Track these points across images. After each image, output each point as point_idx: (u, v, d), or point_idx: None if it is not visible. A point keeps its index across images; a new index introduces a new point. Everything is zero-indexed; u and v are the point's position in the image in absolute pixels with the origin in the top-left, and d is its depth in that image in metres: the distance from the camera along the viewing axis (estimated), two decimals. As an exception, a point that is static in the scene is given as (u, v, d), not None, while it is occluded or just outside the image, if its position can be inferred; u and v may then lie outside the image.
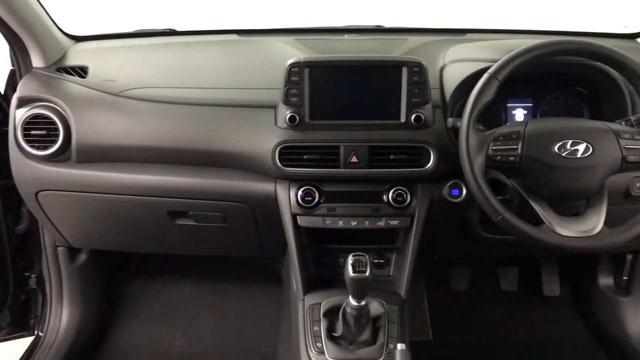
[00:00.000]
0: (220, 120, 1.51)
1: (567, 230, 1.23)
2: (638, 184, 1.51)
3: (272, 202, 1.51)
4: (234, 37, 1.87)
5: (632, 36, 1.80)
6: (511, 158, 1.25)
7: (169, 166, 1.56)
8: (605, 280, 2.07)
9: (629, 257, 1.95)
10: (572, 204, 1.33)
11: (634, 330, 1.95)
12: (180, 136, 1.51)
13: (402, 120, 1.44)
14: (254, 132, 1.47)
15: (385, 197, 1.48)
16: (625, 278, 1.98)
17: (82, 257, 2.01)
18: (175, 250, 1.94)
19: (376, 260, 1.63)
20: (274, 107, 1.47)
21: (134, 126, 1.54)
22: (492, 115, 1.64)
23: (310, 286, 1.54)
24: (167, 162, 1.56)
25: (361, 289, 1.29)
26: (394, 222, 1.50)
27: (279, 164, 1.43)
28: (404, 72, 1.42)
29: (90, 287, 2.05)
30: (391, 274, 1.63)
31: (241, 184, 1.53)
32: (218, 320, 2.14)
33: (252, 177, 1.52)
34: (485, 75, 1.27)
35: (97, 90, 1.58)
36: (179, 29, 1.94)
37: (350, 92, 1.45)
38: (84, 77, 1.63)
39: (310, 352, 1.39)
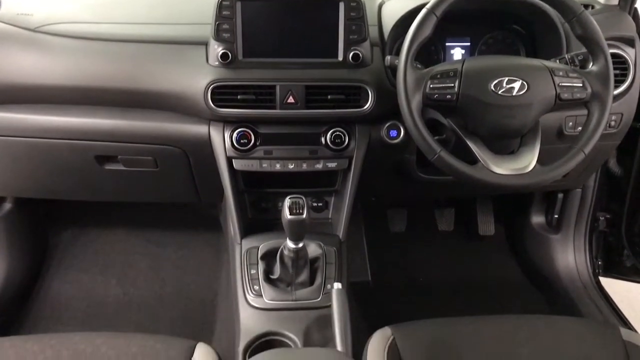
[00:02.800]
0: (148, 57, 1.41)
1: (501, 168, 1.24)
2: (570, 123, 1.54)
3: (205, 145, 1.45)
4: None
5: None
6: (448, 96, 1.23)
7: (94, 107, 1.47)
8: (537, 219, 2.14)
9: (560, 195, 2.01)
10: (506, 143, 1.34)
11: (563, 266, 2.04)
12: (105, 75, 1.41)
13: (340, 58, 1.39)
14: (184, 71, 1.39)
15: (323, 139, 1.45)
16: (556, 216, 2.05)
17: (7, 206, 1.91)
18: (106, 198, 1.86)
19: (315, 204, 1.62)
20: (205, 43, 1.40)
21: (54, 64, 1.43)
22: (430, 54, 1.62)
23: (247, 230, 1.51)
24: (92, 104, 1.46)
25: (298, 231, 1.27)
26: (332, 165, 1.48)
27: (212, 104, 1.36)
28: (341, 7, 1.36)
29: (16, 237, 1.95)
30: (330, 217, 1.62)
31: (172, 127, 1.46)
32: (155, 268, 2.09)
33: (183, 119, 1.45)
34: (424, 11, 1.23)
35: (11, 24, 1.45)
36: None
37: (285, 29, 1.38)
38: None
39: (247, 296, 1.38)
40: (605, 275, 2.04)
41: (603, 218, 1.99)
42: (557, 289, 2.02)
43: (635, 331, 1.46)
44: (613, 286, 2.01)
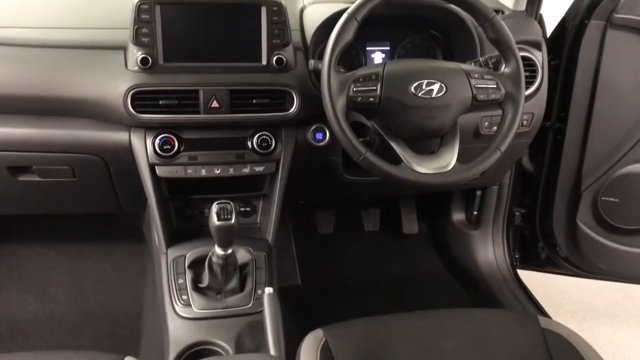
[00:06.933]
0: (63, 63, 1.35)
1: (424, 167, 1.28)
2: (486, 123, 1.61)
3: (126, 152, 1.40)
4: None
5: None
6: (371, 99, 1.26)
7: (5, 116, 1.38)
8: (458, 216, 2.22)
9: (478, 193, 2.09)
10: (428, 143, 1.39)
11: (483, 260, 2.13)
12: (18, 82, 1.34)
13: (264, 62, 1.39)
14: (102, 76, 1.34)
15: (249, 143, 1.43)
16: (475, 213, 2.13)
17: None
18: (21, 210, 1.76)
19: (242, 209, 1.60)
20: (123, 48, 1.35)
21: None
22: (352, 59, 1.65)
23: (173, 239, 1.47)
24: (3, 112, 1.38)
25: (227, 237, 1.26)
26: (260, 169, 1.46)
27: (132, 110, 1.32)
28: (263, 12, 1.36)
29: None
30: (258, 221, 1.61)
31: (90, 134, 1.40)
32: (75, 282, 2.00)
33: (102, 126, 1.39)
34: (345, 16, 1.25)
35: None
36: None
37: (207, 33, 1.36)
38: None
39: (175, 306, 1.35)
40: (522, 267, 2.15)
41: (518, 213, 2.09)
42: (478, 282, 2.10)
43: (551, 318, 1.55)
44: (529, 277, 2.12)
